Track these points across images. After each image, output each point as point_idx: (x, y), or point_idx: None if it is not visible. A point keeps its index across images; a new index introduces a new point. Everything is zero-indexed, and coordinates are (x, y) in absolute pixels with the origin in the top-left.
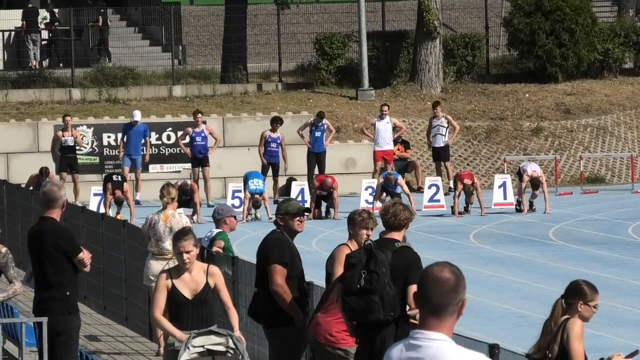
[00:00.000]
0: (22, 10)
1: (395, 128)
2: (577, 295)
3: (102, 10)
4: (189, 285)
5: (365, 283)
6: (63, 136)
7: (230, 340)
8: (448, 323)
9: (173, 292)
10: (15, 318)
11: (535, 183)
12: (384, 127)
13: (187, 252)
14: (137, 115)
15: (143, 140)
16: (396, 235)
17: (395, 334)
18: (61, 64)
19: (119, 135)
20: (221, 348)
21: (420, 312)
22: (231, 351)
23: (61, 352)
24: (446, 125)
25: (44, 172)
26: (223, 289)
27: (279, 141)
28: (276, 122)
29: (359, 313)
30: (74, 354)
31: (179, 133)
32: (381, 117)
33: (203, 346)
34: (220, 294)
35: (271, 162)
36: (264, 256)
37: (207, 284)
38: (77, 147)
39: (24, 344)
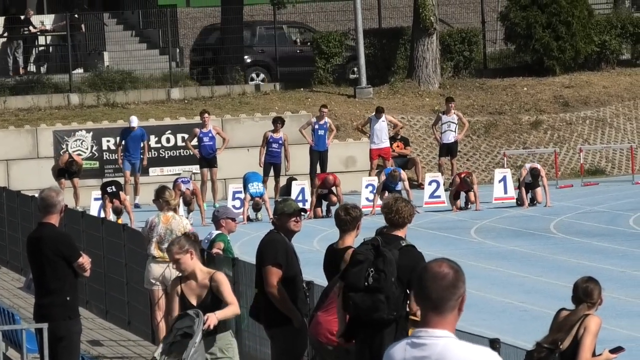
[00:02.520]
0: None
1: (389, 125)
2: (594, 293)
3: (69, 14)
4: (195, 291)
5: (373, 282)
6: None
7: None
8: (450, 319)
9: (182, 298)
10: (16, 324)
11: (534, 173)
12: (380, 126)
13: (175, 261)
14: (135, 122)
15: (142, 145)
16: (399, 233)
17: (395, 333)
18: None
19: (118, 139)
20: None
21: (421, 309)
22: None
23: (63, 357)
24: (456, 121)
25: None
26: (224, 290)
27: (280, 142)
28: (277, 122)
29: (364, 310)
30: (76, 359)
31: (179, 136)
32: (377, 117)
33: (181, 328)
34: (221, 296)
35: (272, 162)
36: (259, 258)
37: (209, 290)
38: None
39: (25, 350)
